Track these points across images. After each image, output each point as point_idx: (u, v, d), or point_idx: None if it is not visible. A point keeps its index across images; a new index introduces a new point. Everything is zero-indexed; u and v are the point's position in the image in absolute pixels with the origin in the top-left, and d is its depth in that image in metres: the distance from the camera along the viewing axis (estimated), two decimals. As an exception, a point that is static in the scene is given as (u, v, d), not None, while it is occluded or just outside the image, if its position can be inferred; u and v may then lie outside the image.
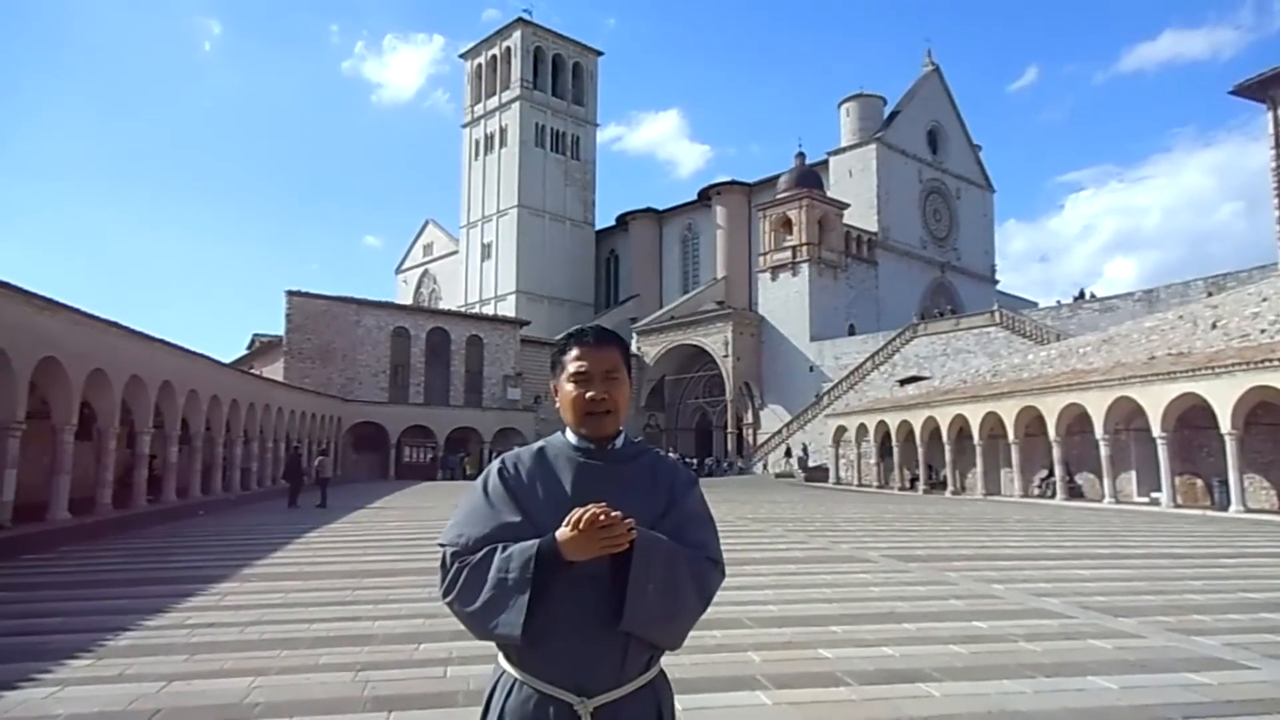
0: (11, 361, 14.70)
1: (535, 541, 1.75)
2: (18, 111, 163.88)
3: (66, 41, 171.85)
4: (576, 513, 1.70)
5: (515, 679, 1.80)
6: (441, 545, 1.87)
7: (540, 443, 2.00)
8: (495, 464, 1.96)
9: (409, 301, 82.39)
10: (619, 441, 1.98)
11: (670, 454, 31.19)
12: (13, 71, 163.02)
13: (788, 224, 56.98)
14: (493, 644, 1.85)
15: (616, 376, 1.95)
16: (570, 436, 1.96)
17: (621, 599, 1.73)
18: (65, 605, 8.16)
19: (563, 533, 1.71)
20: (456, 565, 1.80)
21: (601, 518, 1.68)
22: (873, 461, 38.95)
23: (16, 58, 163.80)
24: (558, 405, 1.99)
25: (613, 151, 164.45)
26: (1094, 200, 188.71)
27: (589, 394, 1.91)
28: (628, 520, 1.71)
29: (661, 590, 1.77)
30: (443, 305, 78.49)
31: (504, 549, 1.77)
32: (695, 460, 53.18)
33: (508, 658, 1.84)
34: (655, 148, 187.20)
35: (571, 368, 1.94)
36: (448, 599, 1.80)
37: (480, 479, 1.95)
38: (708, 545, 1.92)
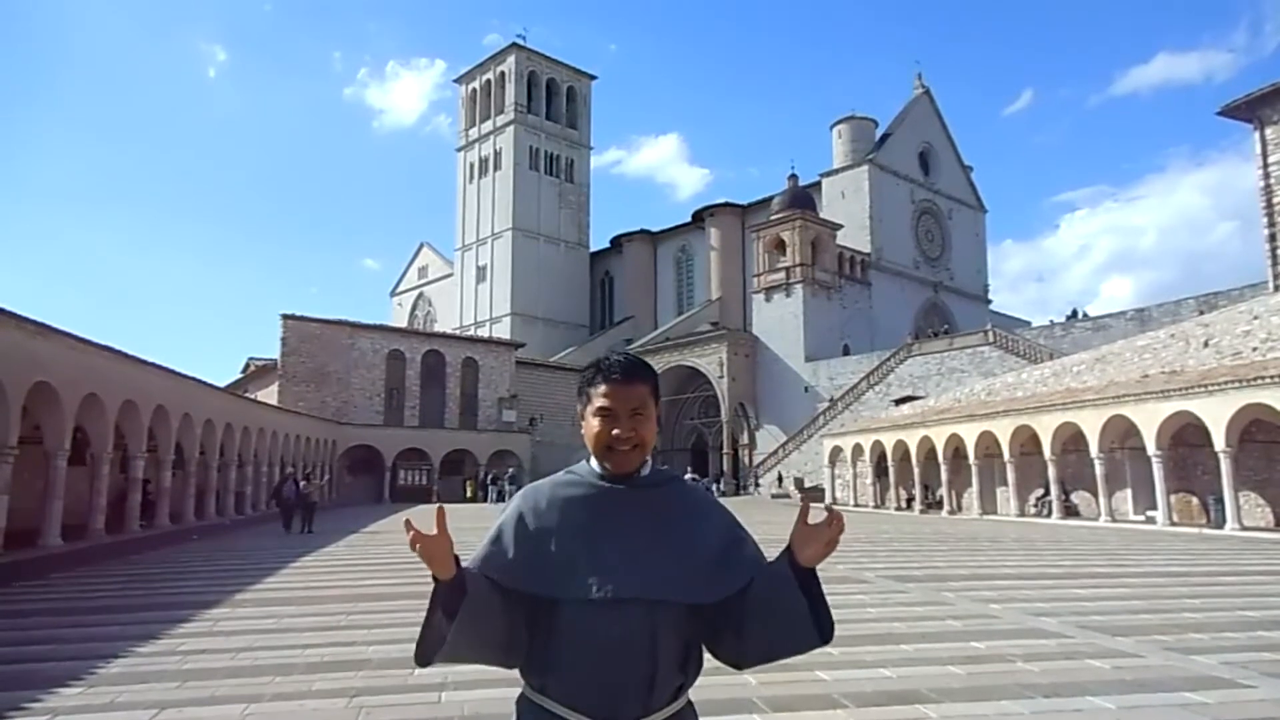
0: (4, 386, 14.65)
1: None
2: (19, 135, 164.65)
3: (72, 67, 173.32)
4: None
5: (539, 707, 1.79)
6: None
7: (566, 470, 1.98)
8: (518, 495, 1.96)
9: (404, 324, 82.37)
10: (644, 468, 1.95)
11: (687, 475, 30.83)
12: (15, 94, 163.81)
13: (781, 245, 57.22)
14: (508, 671, 1.87)
15: (643, 413, 1.90)
16: (594, 465, 1.95)
17: (818, 612, 1.78)
18: (57, 633, 8.09)
19: None
20: None
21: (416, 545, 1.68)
22: (869, 481, 38.88)
23: (20, 81, 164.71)
24: (583, 431, 1.97)
25: (612, 175, 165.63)
26: (1089, 220, 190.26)
27: (615, 430, 1.87)
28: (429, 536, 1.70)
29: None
30: (437, 328, 78.52)
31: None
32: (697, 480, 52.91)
33: (529, 685, 1.83)
34: (655, 171, 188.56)
35: (597, 403, 1.89)
36: None
37: (505, 508, 1.95)
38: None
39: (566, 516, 1.85)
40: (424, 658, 1.81)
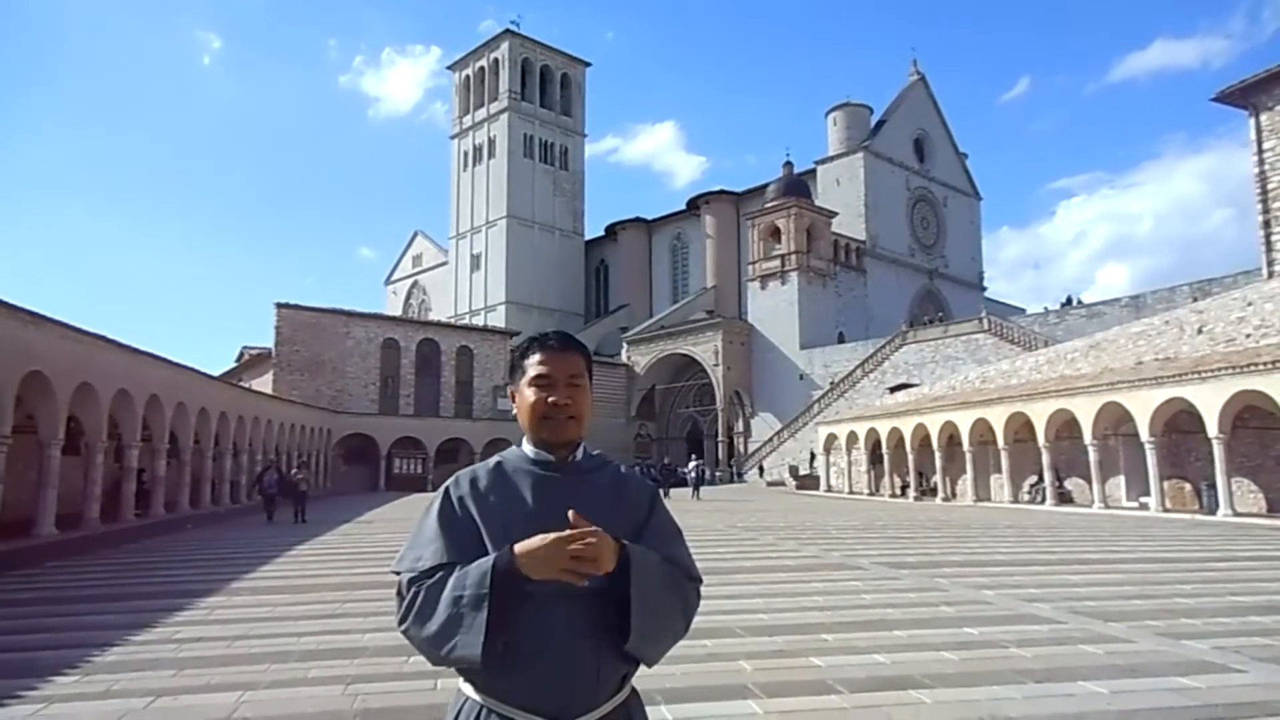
0: (-3, 376, 14.61)
1: (492, 556, 1.67)
2: (11, 123, 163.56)
3: (65, 54, 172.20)
4: (549, 537, 1.62)
5: (481, 705, 1.70)
6: (396, 573, 1.77)
7: (496, 457, 1.91)
8: (449, 482, 1.87)
9: (398, 313, 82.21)
10: (579, 453, 1.91)
11: (692, 462, 30.35)
12: (7, 82, 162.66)
13: (776, 233, 57.17)
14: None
15: (579, 383, 1.87)
16: (527, 449, 1.89)
17: (625, 618, 1.67)
18: (52, 621, 8.09)
19: (522, 547, 1.63)
20: (414, 590, 1.70)
21: (575, 540, 1.60)
22: (863, 469, 38.99)
23: (11, 68, 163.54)
24: (514, 410, 1.92)
25: (609, 163, 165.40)
26: (1085, 207, 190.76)
27: (551, 398, 1.84)
28: (593, 530, 1.62)
29: (656, 609, 1.72)
30: (432, 316, 78.43)
31: (461, 568, 1.68)
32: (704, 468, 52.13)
33: (472, 682, 1.73)
34: (652, 159, 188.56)
35: (533, 372, 1.86)
36: (403, 626, 1.70)
37: (434, 498, 1.84)
38: (683, 560, 1.87)
39: (505, 506, 1.79)
40: (484, 651, 1.62)
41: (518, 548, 1.64)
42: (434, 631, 1.66)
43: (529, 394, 1.86)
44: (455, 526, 1.77)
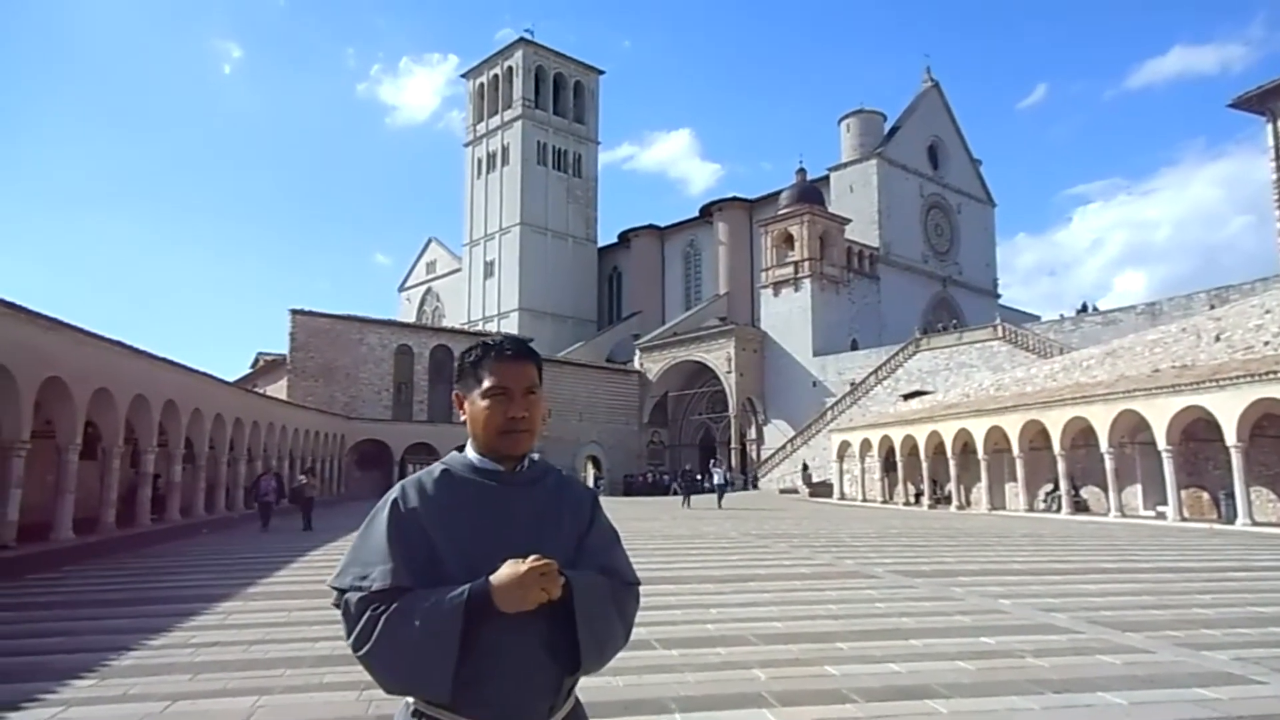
0: (16, 381, 14.74)
1: (464, 590, 1.60)
2: (34, 132, 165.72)
3: (87, 62, 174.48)
4: (518, 566, 1.61)
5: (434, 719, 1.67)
6: (339, 589, 1.68)
7: (441, 464, 1.85)
8: (394, 492, 1.78)
9: (412, 319, 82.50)
10: (525, 463, 1.87)
11: (715, 468, 29.87)
12: (30, 92, 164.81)
13: (789, 240, 57.09)
14: None
15: (536, 393, 1.84)
16: (472, 456, 1.84)
17: (570, 645, 1.68)
18: (69, 625, 8.15)
19: (499, 577, 1.60)
20: (369, 614, 1.62)
21: (540, 571, 1.60)
22: (877, 477, 38.80)
23: (35, 79, 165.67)
24: (463, 417, 1.86)
25: (624, 170, 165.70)
26: (1102, 213, 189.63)
27: (510, 413, 1.79)
28: (549, 561, 1.62)
29: (600, 630, 1.72)
30: (445, 323, 78.64)
31: (426, 598, 1.61)
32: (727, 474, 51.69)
33: (429, 701, 1.67)
34: (667, 166, 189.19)
35: (489, 383, 1.80)
36: (359, 651, 1.62)
37: (380, 508, 1.76)
38: (621, 567, 1.86)
39: (456, 519, 1.74)
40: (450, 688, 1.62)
41: (495, 584, 1.60)
42: (398, 669, 1.62)
43: (483, 405, 1.80)
44: (406, 543, 1.69)
